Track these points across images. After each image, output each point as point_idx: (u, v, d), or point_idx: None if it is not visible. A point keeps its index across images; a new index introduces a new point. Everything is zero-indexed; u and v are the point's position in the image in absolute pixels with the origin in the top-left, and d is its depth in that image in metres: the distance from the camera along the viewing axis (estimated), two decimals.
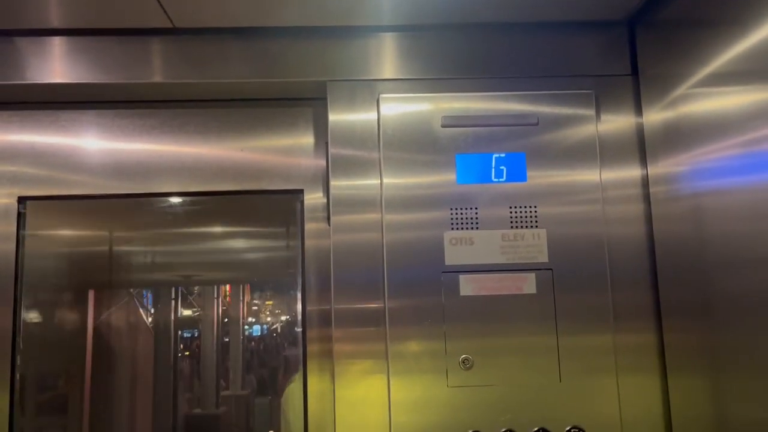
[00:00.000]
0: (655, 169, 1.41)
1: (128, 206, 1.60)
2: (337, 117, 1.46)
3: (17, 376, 1.46)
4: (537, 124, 1.45)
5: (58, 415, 1.62)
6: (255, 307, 1.84)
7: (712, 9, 1.19)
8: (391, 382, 1.36)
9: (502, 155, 1.43)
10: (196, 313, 1.78)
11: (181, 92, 1.52)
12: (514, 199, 1.42)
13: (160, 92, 1.52)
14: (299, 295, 1.53)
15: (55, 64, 1.45)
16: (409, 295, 1.38)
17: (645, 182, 1.45)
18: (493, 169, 1.43)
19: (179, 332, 1.76)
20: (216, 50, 1.47)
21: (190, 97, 1.55)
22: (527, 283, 1.39)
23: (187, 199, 1.60)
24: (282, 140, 1.57)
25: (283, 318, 1.74)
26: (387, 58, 1.49)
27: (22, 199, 1.50)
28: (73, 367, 1.62)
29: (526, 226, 1.41)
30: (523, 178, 1.43)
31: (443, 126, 1.44)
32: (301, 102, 1.57)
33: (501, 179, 1.43)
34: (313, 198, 1.54)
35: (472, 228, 1.41)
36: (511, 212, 1.42)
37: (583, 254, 1.41)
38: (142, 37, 1.46)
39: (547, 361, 1.37)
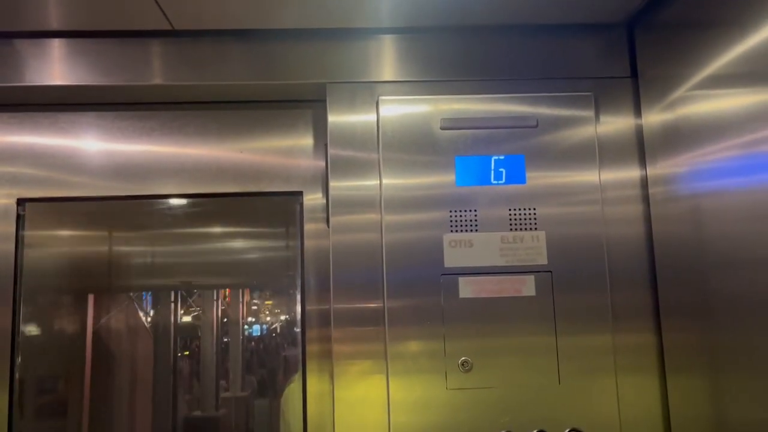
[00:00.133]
0: (654, 171, 1.42)
1: (127, 208, 1.59)
2: (336, 119, 1.46)
3: (16, 376, 1.46)
4: (536, 126, 1.45)
5: (57, 416, 1.62)
6: (254, 308, 1.84)
7: (711, 11, 1.19)
8: (390, 383, 1.36)
9: (502, 157, 1.44)
10: (195, 314, 1.78)
11: (180, 94, 1.52)
12: (513, 201, 1.42)
13: (159, 94, 1.52)
14: (298, 296, 1.53)
15: (55, 66, 1.45)
16: (408, 296, 1.39)
17: (644, 183, 1.45)
18: (492, 171, 1.43)
19: (178, 333, 1.76)
20: (215, 52, 1.47)
21: (189, 99, 1.55)
22: (526, 285, 1.39)
23: (187, 200, 1.60)
24: (281, 142, 1.57)
25: (283, 319, 1.74)
26: (386, 61, 1.49)
27: (21, 201, 1.50)
28: (73, 368, 1.62)
29: (526, 229, 1.41)
30: (523, 180, 1.43)
31: (442, 128, 1.44)
32: (300, 104, 1.57)
33: (500, 181, 1.43)
34: (313, 199, 1.54)
35: (471, 230, 1.41)
36: (510, 214, 1.42)
37: (582, 255, 1.41)
38: (142, 40, 1.46)
39: (547, 362, 1.37)
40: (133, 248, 1.67)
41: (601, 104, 1.48)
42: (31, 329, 1.54)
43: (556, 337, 1.38)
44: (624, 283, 1.42)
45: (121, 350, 1.69)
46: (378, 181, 1.43)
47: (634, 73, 1.49)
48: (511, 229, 1.41)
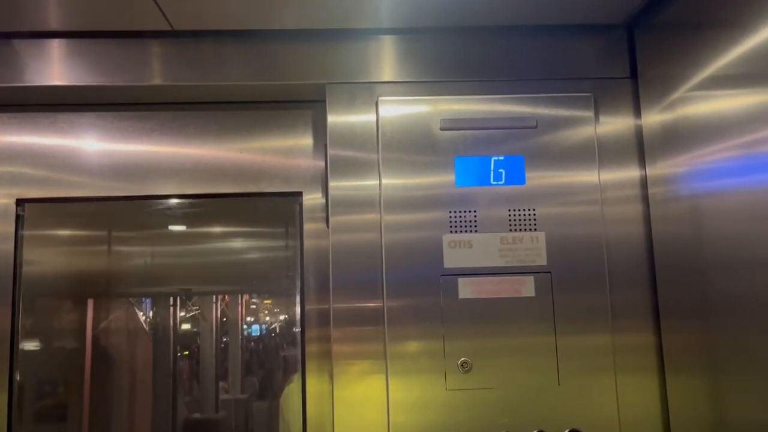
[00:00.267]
0: (654, 171, 1.42)
1: (126, 208, 1.59)
2: (336, 119, 1.46)
3: (16, 376, 1.46)
4: (536, 126, 1.45)
5: (57, 416, 1.62)
6: (253, 308, 1.84)
7: (711, 12, 1.19)
8: (389, 383, 1.36)
9: (501, 158, 1.44)
10: (194, 315, 1.78)
11: (180, 95, 1.52)
12: (512, 201, 1.42)
13: (159, 95, 1.52)
14: (298, 296, 1.53)
15: (54, 67, 1.45)
16: (407, 297, 1.39)
17: (644, 184, 1.45)
18: (491, 172, 1.43)
19: (178, 333, 1.76)
20: (215, 53, 1.47)
21: (189, 99, 1.55)
22: (526, 286, 1.39)
23: (186, 201, 1.60)
24: (281, 142, 1.57)
25: (282, 319, 1.74)
26: (386, 61, 1.49)
27: (20, 201, 1.50)
28: (72, 369, 1.62)
29: (525, 229, 1.41)
30: (522, 181, 1.43)
31: (442, 129, 1.44)
32: (300, 104, 1.57)
33: (500, 182, 1.43)
34: (312, 199, 1.54)
35: (470, 231, 1.41)
36: (509, 215, 1.42)
37: (581, 256, 1.41)
38: (141, 40, 1.46)
39: (546, 363, 1.37)
40: (133, 248, 1.67)
41: (600, 105, 1.48)
42: (31, 328, 1.54)
43: (556, 338, 1.38)
44: (623, 283, 1.42)
45: (120, 351, 1.69)
46: (377, 182, 1.43)
47: (634, 74, 1.49)
48: (510, 230, 1.41)
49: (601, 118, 1.48)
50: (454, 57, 1.49)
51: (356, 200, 1.43)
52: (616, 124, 1.48)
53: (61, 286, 1.62)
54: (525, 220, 1.42)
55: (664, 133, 1.37)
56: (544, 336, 1.38)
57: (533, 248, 1.40)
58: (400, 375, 1.36)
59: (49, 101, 1.53)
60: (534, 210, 1.42)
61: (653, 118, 1.41)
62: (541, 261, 1.40)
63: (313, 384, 1.47)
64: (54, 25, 1.42)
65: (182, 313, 1.77)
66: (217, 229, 1.67)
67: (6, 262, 1.47)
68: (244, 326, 1.82)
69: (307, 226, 1.53)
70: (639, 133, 1.47)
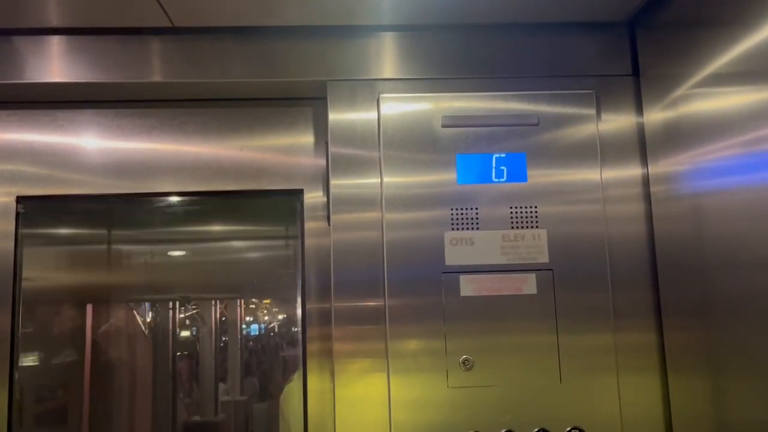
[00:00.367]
0: (656, 169, 1.41)
1: (126, 205, 1.59)
2: (337, 116, 1.46)
3: (16, 376, 1.46)
4: (537, 124, 1.45)
5: (57, 418, 1.62)
6: (253, 307, 1.84)
7: (713, 10, 1.19)
8: (391, 381, 1.36)
9: (503, 155, 1.43)
10: (194, 315, 1.78)
11: (180, 92, 1.52)
12: (514, 199, 1.42)
13: (159, 92, 1.52)
14: (299, 294, 1.53)
15: (54, 64, 1.45)
16: (409, 294, 1.38)
17: (645, 182, 1.45)
18: (493, 169, 1.43)
19: (177, 333, 1.76)
20: (215, 50, 1.46)
21: (189, 96, 1.54)
22: (527, 284, 1.39)
23: (186, 198, 1.59)
24: (282, 140, 1.56)
25: (283, 317, 1.74)
26: (387, 58, 1.49)
27: (20, 199, 1.50)
28: (72, 370, 1.62)
29: (527, 227, 1.41)
30: (524, 179, 1.43)
31: (443, 126, 1.44)
32: (301, 101, 1.56)
33: (501, 179, 1.43)
34: (313, 197, 1.54)
35: (472, 228, 1.41)
36: (511, 212, 1.42)
37: (583, 254, 1.41)
38: (142, 37, 1.46)
39: (548, 361, 1.37)
40: (133, 247, 1.66)
41: (602, 102, 1.48)
42: (31, 327, 1.54)
43: (558, 336, 1.38)
44: (625, 281, 1.41)
45: (120, 351, 1.68)
46: (379, 179, 1.42)
47: (636, 72, 1.48)
48: (512, 227, 1.41)
49: (603, 116, 1.48)
50: (456, 54, 1.49)
51: (357, 198, 1.43)
52: (618, 121, 1.48)
53: (61, 288, 1.62)
54: (527, 217, 1.42)
55: (666, 130, 1.37)
56: (545, 334, 1.38)
57: (535, 246, 1.40)
58: (401, 373, 1.36)
59: (49, 98, 1.52)
60: (536, 207, 1.42)
61: (655, 116, 1.41)
62: (543, 258, 1.40)
63: (315, 382, 1.47)
64: (54, 21, 1.42)
65: (182, 314, 1.76)
66: (217, 228, 1.67)
67: (6, 260, 1.47)
68: (244, 326, 1.82)
69: (308, 224, 1.52)
70: (641, 130, 1.46)
